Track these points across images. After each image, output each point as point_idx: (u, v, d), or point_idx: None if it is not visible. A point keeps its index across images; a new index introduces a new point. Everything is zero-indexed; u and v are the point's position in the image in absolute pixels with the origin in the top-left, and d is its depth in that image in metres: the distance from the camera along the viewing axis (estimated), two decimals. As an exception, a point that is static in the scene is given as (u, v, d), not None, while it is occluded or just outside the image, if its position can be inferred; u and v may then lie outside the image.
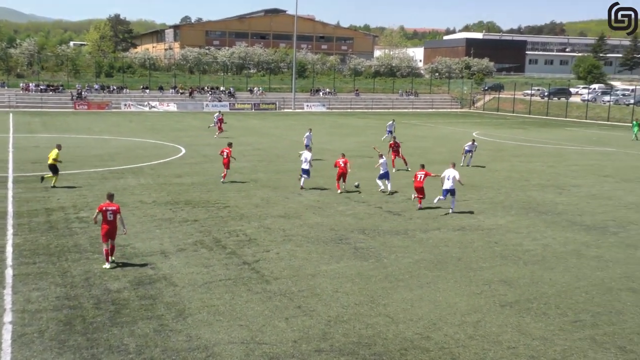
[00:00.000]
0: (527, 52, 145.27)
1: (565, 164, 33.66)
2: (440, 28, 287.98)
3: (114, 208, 14.11)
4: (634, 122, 50.38)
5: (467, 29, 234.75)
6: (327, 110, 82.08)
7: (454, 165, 20.98)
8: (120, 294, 12.41)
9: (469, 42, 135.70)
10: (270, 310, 11.80)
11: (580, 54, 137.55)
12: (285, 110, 79.80)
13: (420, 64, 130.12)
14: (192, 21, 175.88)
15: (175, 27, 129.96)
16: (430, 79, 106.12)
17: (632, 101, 75.12)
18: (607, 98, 79.58)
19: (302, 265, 14.60)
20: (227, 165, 25.10)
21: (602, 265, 15.26)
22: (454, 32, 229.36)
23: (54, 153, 23.46)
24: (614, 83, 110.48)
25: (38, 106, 69.64)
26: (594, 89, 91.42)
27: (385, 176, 23.83)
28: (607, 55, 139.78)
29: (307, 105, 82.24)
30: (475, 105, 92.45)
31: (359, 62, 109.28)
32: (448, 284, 13.56)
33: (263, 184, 25.00)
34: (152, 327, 10.90)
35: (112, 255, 14.25)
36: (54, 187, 23.12)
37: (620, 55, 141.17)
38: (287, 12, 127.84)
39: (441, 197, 20.66)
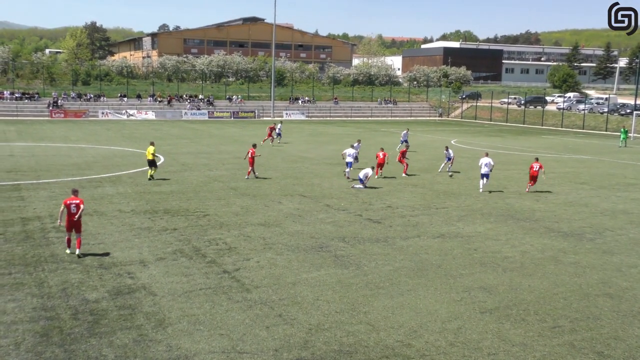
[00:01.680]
0: (503, 61, 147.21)
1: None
2: (418, 37, 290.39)
3: (77, 202, 15.32)
4: (622, 130, 51.91)
5: (444, 38, 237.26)
6: (307, 118, 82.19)
7: (487, 155, 26.46)
8: (99, 304, 12.25)
9: (447, 51, 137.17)
10: (250, 319, 11.74)
11: (555, 63, 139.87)
12: (265, 118, 79.69)
13: (399, 73, 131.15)
14: (170, 29, 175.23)
15: (153, 35, 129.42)
16: (408, 88, 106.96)
17: (606, 109, 76.42)
18: (582, 106, 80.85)
19: (283, 273, 14.56)
20: (251, 163, 28.27)
21: (580, 271, 15.45)
22: (431, 41, 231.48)
23: (151, 149, 27.01)
24: (588, 92, 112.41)
25: (13, 115, 68.69)
26: (569, 97, 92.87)
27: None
28: (582, 64, 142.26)
29: (286, 114, 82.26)
30: (453, 114, 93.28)
31: (337, 70, 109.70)
32: (428, 291, 13.62)
33: (242, 192, 24.92)
34: (132, 337, 10.77)
35: (79, 248, 15.44)
36: (151, 178, 26.99)
37: (594, 64, 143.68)
38: (265, 21, 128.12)
39: (481, 180, 26.26)
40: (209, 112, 77.79)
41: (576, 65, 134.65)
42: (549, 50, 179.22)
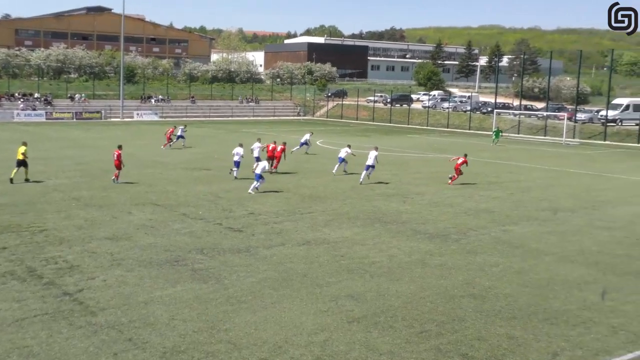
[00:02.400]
0: (369, 57, 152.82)
1: (409, 172, 35.71)
2: (281, 32, 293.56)
3: None
4: (495, 130, 57.79)
5: (308, 33, 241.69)
6: (160, 119, 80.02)
7: (376, 149, 30.68)
8: None
9: (311, 46, 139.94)
10: (95, 346, 11.17)
11: (420, 61, 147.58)
12: (113, 119, 76.68)
13: (261, 69, 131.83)
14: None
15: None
16: (271, 85, 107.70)
17: (469, 108, 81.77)
18: (446, 105, 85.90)
19: (133, 292, 14.02)
20: (117, 166, 28.13)
21: (445, 273, 16.33)
22: (295, 36, 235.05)
23: (22, 149, 27.33)
24: (452, 90, 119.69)
25: None
26: (434, 95, 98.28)
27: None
28: (445, 62, 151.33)
29: (138, 114, 79.69)
30: (318, 113, 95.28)
31: (194, 66, 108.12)
32: (294, 302, 13.73)
33: (86, 203, 23.73)
34: (-51, 378, 9.83)
35: None
36: (27, 180, 27.41)
37: (457, 62, 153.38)
38: (112, 11, 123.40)
39: (365, 171, 30.05)
40: (46, 112, 73.40)
41: (440, 63, 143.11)
42: (414, 48, 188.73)
